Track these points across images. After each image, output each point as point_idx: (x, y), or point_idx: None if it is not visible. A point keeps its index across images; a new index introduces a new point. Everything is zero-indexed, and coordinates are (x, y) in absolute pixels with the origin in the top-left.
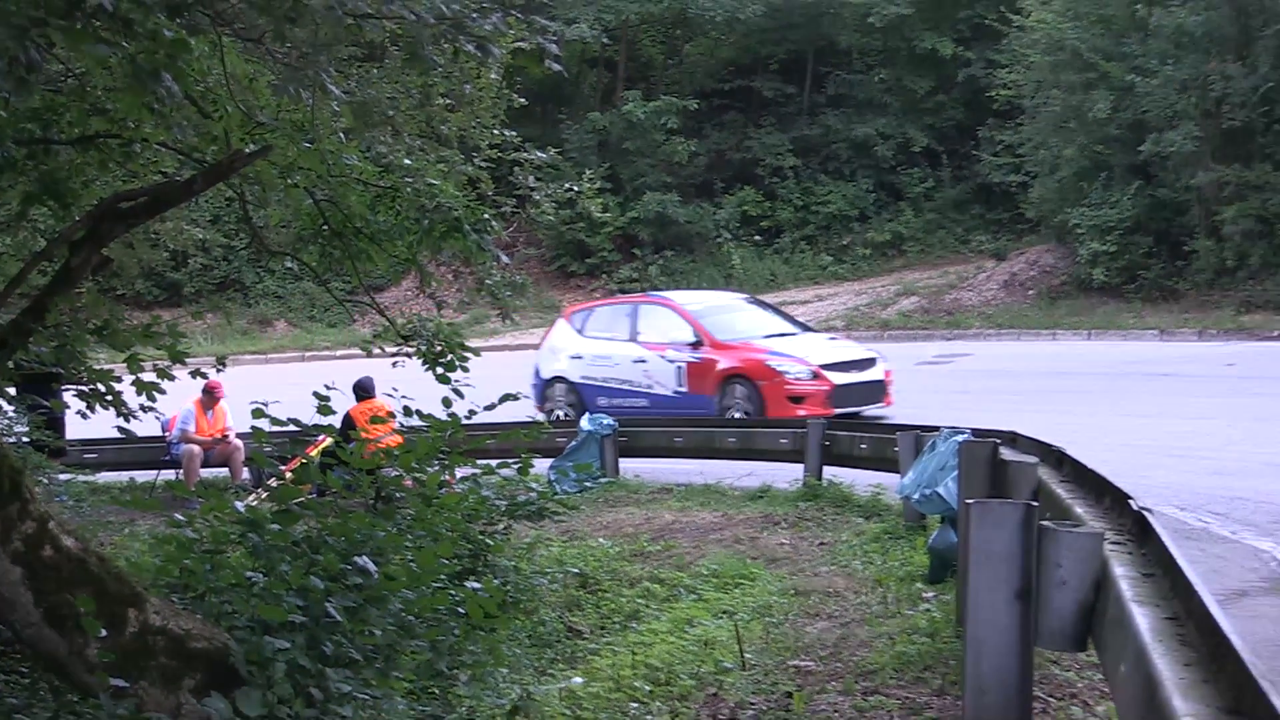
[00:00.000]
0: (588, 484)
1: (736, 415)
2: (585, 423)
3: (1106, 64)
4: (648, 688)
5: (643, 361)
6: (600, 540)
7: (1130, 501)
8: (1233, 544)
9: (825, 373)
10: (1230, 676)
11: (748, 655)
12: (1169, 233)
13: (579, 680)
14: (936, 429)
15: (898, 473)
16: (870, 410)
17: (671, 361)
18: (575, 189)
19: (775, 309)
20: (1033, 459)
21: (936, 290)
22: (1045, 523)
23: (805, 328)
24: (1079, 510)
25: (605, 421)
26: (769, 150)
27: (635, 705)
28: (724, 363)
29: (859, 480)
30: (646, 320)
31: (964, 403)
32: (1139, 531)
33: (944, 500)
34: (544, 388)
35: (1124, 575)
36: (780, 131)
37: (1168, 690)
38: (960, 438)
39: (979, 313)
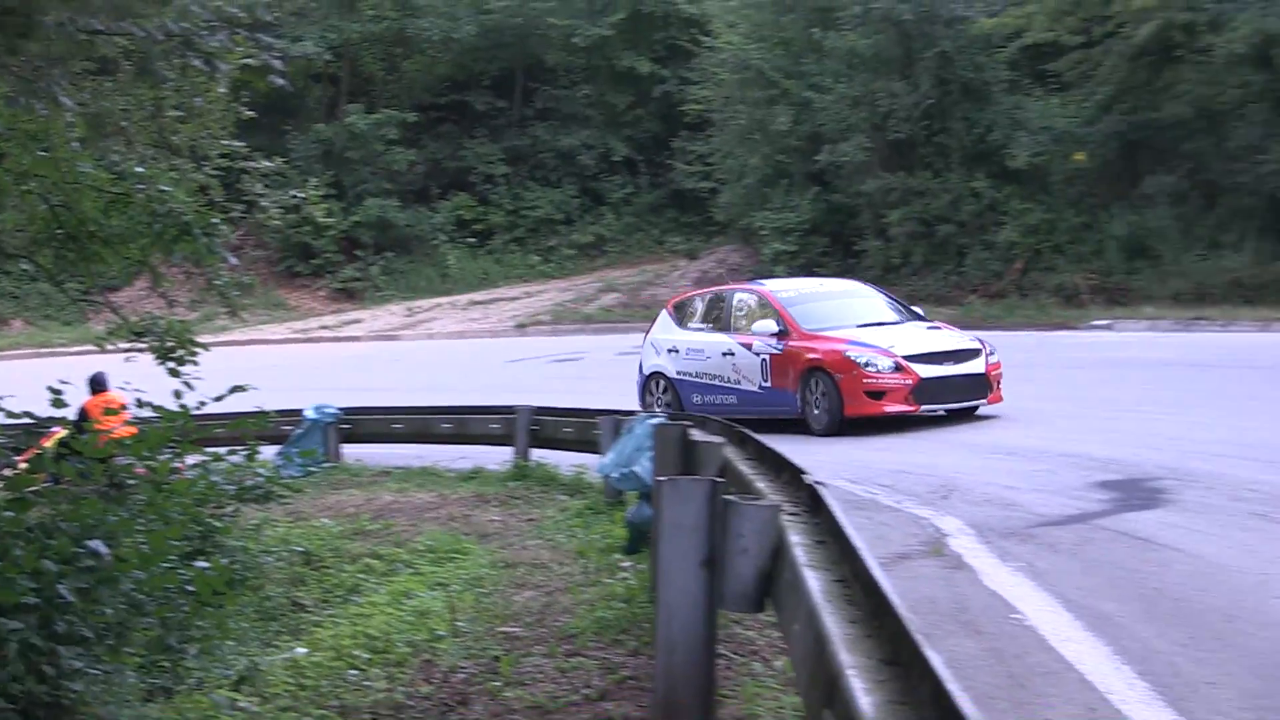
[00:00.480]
0: (312, 469)
1: (816, 413)
2: (310, 411)
3: (787, 82)
4: (367, 656)
5: (731, 354)
6: (324, 520)
7: (804, 476)
8: (897, 512)
9: (911, 365)
10: (890, 631)
11: (460, 623)
12: (842, 234)
13: (302, 650)
14: (633, 413)
15: (599, 453)
16: (974, 407)
17: (757, 354)
18: (300, 195)
19: (891, 296)
20: (719, 439)
21: (635, 287)
22: (729, 497)
23: (917, 316)
24: (760, 485)
25: (329, 410)
26: (482, 159)
27: (354, 672)
28: (806, 354)
29: (564, 461)
30: (739, 309)
31: None
32: (812, 503)
33: (640, 478)
34: (644, 385)
35: (798, 543)
36: (492, 142)
37: (835, 645)
38: (655, 421)
39: None
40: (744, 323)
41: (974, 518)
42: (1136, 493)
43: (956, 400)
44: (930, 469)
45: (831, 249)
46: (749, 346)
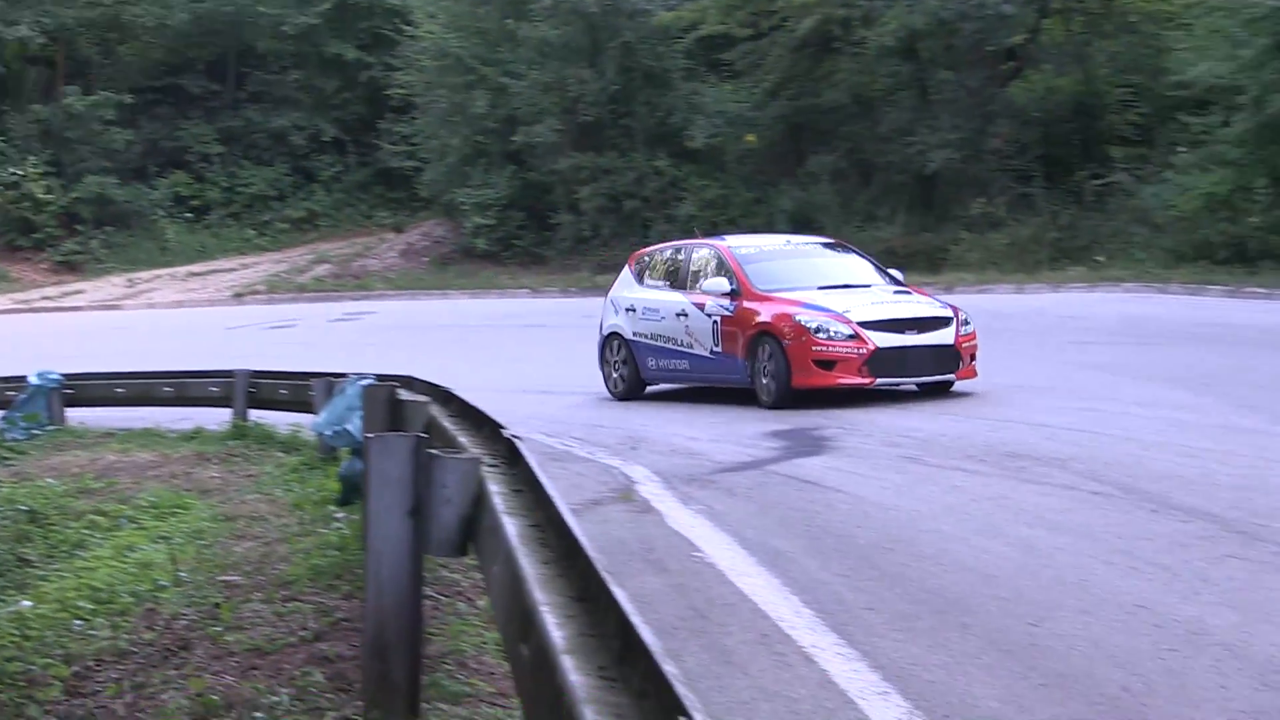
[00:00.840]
0: (36, 432)
1: (765, 382)
2: (33, 377)
3: (484, 68)
4: (91, 606)
5: (684, 315)
6: (48, 480)
7: (503, 430)
8: (590, 463)
9: (866, 332)
10: (580, 570)
11: (182, 573)
12: (537, 208)
13: (28, 604)
14: (345, 375)
15: (313, 413)
16: (945, 383)
17: (709, 316)
18: (19, 173)
19: (866, 257)
20: (425, 398)
21: (346, 258)
22: (433, 451)
23: (891, 279)
24: (462, 440)
25: (52, 376)
26: (197, 139)
27: (79, 623)
28: (755, 317)
29: (280, 420)
30: (696, 266)
31: (370, 352)
32: (510, 455)
33: (352, 435)
34: (602, 346)
35: (497, 492)
36: (207, 123)
37: (530, 584)
38: (364, 382)
39: (382, 277)
40: (699, 280)
41: (660, 466)
42: (804, 441)
43: (918, 374)
44: (621, 423)
45: (528, 223)
46: (701, 307)
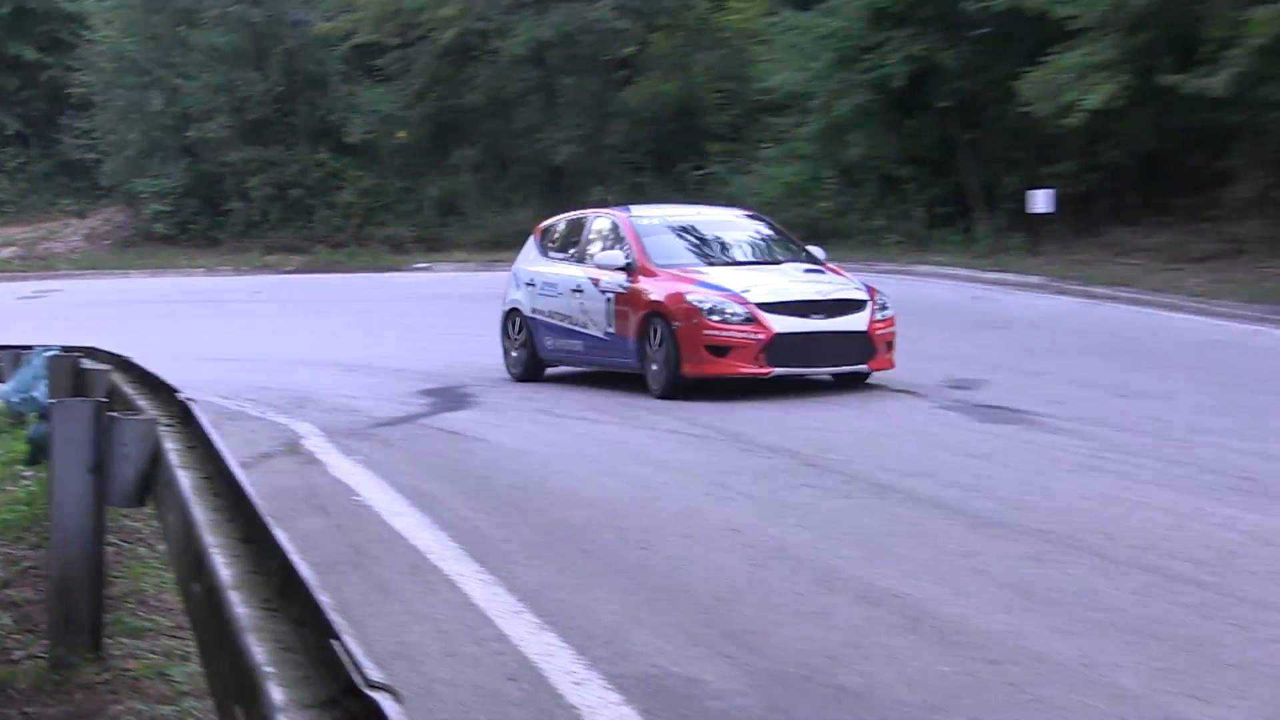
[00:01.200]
0: None
1: (654, 368)
2: None
3: (159, 70)
4: None
5: (580, 292)
6: None
7: (177, 394)
8: (262, 421)
9: (764, 315)
10: (246, 516)
11: None
12: (211, 196)
13: None
14: (30, 347)
15: (1, 382)
16: (858, 374)
17: (604, 293)
18: None
19: (781, 231)
20: (107, 367)
21: (31, 242)
22: (113, 414)
23: (807, 256)
24: (141, 403)
25: None
26: None
27: None
28: (647, 295)
29: None
30: (595, 237)
31: (57, 327)
32: (185, 416)
33: (38, 402)
34: (504, 322)
35: (173, 449)
36: None
37: (201, 529)
38: (50, 353)
39: (67, 259)
40: (597, 254)
41: (324, 422)
42: (450, 397)
43: (824, 363)
44: (287, 385)
45: (202, 209)
46: (597, 283)
